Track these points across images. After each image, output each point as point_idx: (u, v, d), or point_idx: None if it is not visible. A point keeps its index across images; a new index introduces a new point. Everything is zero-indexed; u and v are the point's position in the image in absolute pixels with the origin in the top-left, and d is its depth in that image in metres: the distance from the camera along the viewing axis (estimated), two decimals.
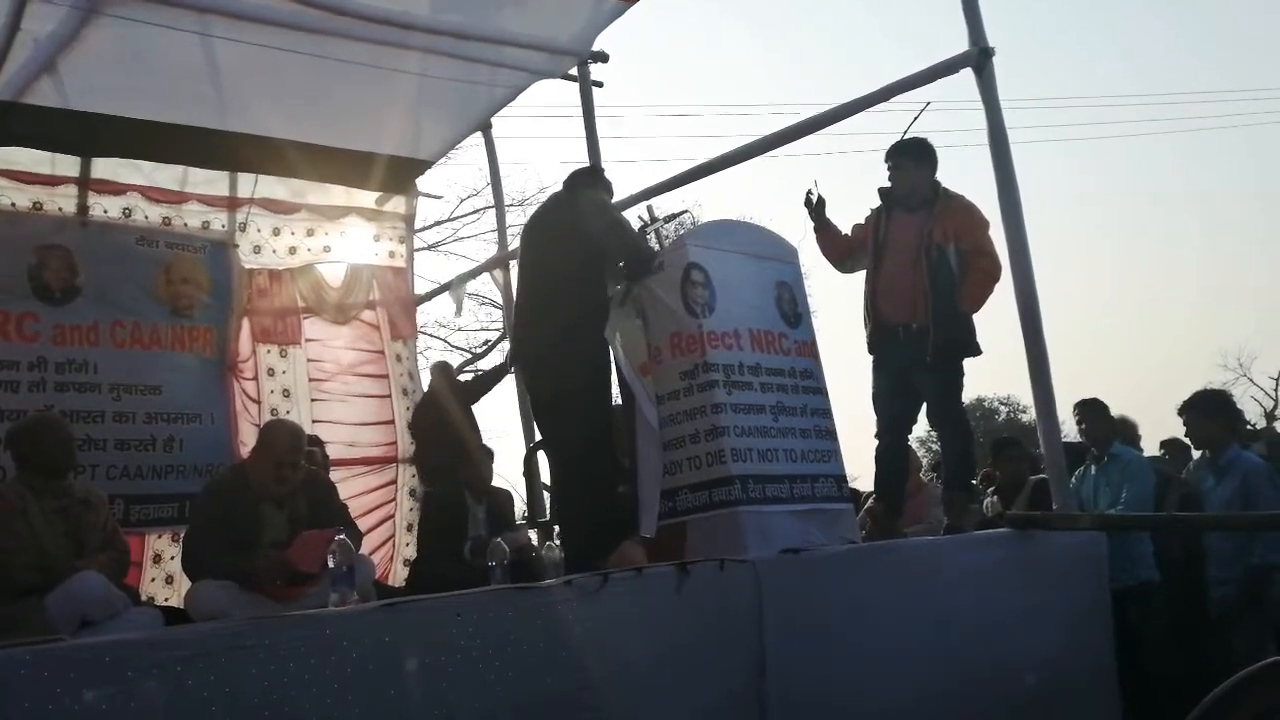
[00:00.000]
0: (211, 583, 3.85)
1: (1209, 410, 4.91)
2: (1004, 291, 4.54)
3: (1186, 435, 5.22)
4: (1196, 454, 5.49)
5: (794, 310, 4.44)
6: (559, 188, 4.65)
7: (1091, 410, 5.21)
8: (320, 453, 5.72)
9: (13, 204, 5.67)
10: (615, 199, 4.97)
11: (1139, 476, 4.98)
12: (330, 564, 3.30)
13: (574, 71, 6.14)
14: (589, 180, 4.64)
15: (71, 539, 3.97)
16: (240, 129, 5.97)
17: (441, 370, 6.97)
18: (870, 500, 5.58)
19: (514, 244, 8.32)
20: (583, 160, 5.94)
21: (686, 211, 16.52)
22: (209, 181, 6.40)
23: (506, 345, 6.39)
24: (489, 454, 5.58)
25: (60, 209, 5.84)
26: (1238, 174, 48.50)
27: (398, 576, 6.41)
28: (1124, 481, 4.96)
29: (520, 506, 7.88)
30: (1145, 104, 50.60)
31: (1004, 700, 3.97)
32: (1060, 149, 50.66)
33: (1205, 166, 48.70)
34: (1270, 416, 27.11)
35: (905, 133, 4.96)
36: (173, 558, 5.62)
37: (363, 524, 5.75)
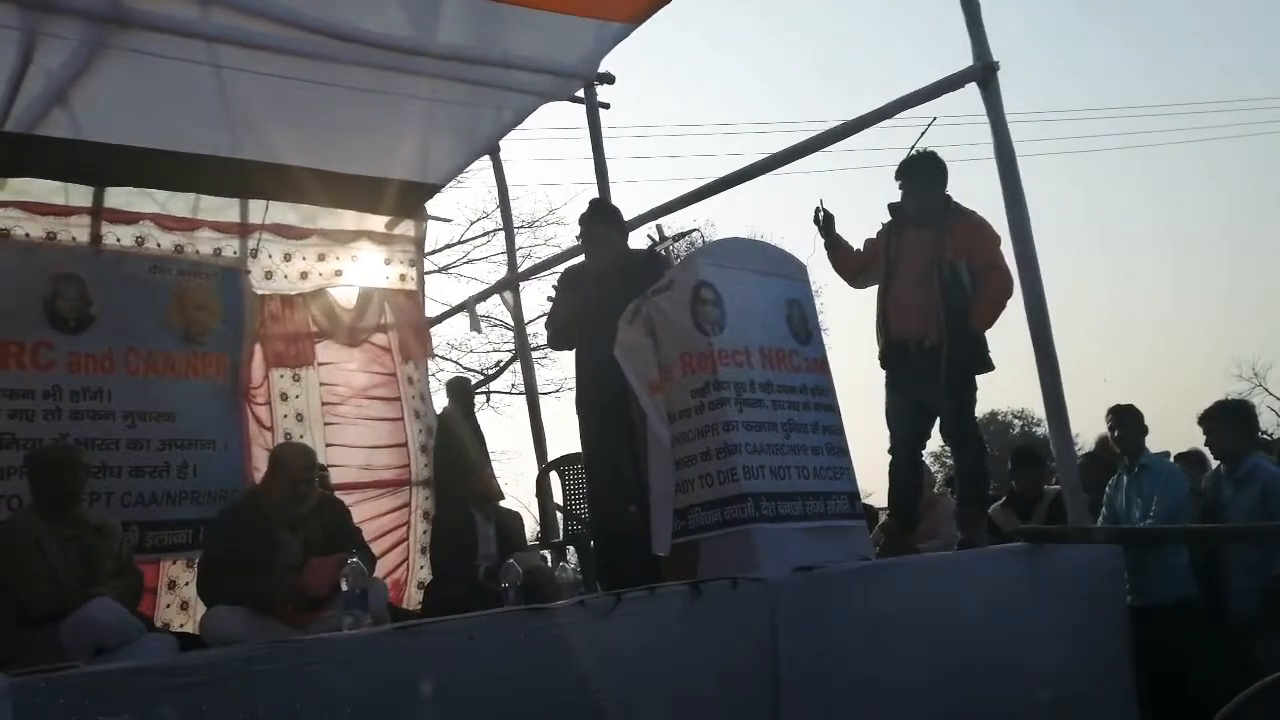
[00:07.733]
0: (226, 608, 3.85)
1: (1229, 420, 4.86)
2: (1016, 305, 4.53)
3: (1206, 445, 5.16)
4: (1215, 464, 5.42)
5: (804, 327, 4.43)
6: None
7: (1125, 416, 5.03)
8: (326, 477, 5.72)
9: (27, 234, 5.72)
10: (624, 218, 5.04)
11: (1171, 488, 4.80)
12: (343, 587, 3.30)
13: (581, 94, 6.18)
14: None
15: (85, 566, 3.98)
16: (251, 156, 6.02)
17: (455, 390, 6.97)
18: (884, 516, 5.55)
19: (524, 265, 8.38)
20: (591, 180, 5.99)
21: (696, 230, 16.56)
22: (220, 208, 6.45)
23: (517, 366, 6.40)
24: (489, 464, 5.58)
25: (74, 239, 5.89)
26: (1248, 182, 48.34)
27: (412, 599, 6.40)
28: (1155, 493, 4.79)
29: (534, 527, 7.87)
30: (1155, 115, 50.70)
31: (1021, 717, 3.93)
32: (1068, 161, 50.60)
33: (1216, 176, 48.62)
34: None
35: (913, 148, 4.97)
36: (187, 584, 5.63)
37: (376, 547, 5.74)
